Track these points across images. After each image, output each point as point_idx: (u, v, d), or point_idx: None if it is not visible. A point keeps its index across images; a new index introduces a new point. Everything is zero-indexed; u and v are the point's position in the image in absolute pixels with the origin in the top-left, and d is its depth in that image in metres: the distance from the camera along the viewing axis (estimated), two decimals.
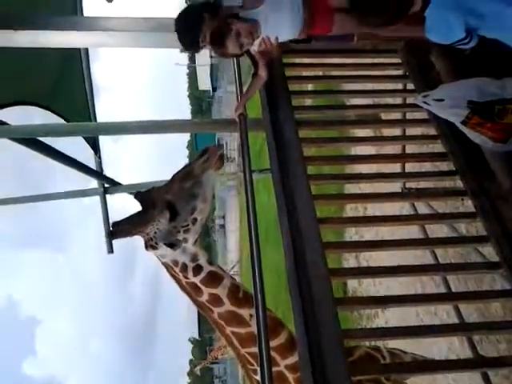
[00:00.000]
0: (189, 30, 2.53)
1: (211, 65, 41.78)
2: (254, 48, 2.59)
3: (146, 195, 2.37)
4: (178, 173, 2.45)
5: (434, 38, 2.36)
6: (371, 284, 7.21)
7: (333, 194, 2.61)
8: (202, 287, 2.35)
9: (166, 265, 2.39)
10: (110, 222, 4.70)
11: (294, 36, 2.64)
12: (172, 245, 2.30)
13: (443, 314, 4.66)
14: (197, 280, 2.35)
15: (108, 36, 3.13)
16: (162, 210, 2.28)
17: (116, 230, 2.32)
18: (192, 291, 2.38)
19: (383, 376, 2.29)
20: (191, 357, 67.16)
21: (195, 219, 2.35)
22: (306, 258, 1.95)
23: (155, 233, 2.30)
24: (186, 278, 2.36)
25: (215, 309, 2.36)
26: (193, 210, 2.34)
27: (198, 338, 57.33)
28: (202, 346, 56.00)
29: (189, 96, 78.05)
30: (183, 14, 2.58)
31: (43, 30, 3.01)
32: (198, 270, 2.35)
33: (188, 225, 2.33)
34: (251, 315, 2.31)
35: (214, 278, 2.35)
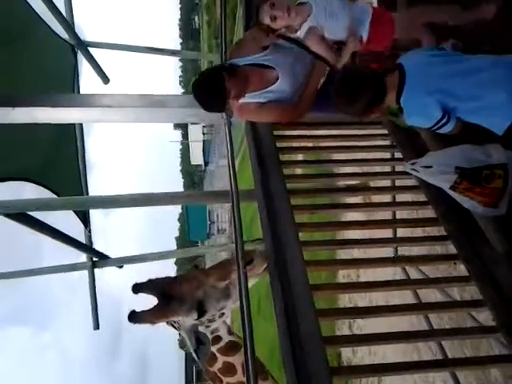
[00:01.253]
0: (213, 93, 2.55)
1: (203, 141, 42.90)
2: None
3: (173, 284, 2.20)
4: (214, 268, 2.34)
5: (414, 122, 2.48)
6: (366, 354, 7.01)
7: (325, 260, 2.59)
8: (218, 355, 2.28)
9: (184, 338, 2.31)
10: (97, 296, 4.71)
11: None
12: (199, 341, 2.21)
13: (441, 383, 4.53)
14: (214, 349, 2.28)
15: (103, 112, 3.23)
16: (191, 310, 2.15)
17: (135, 317, 2.09)
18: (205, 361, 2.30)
19: None
20: None
21: (223, 314, 2.27)
22: (300, 326, 1.91)
23: (179, 320, 2.21)
24: None
25: (225, 378, 2.29)
26: (222, 308, 2.24)
27: None
28: None
29: (181, 170, 79.48)
30: (202, 80, 2.62)
31: (41, 107, 3.12)
32: (217, 340, 2.28)
33: (214, 318, 2.24)
34: None
35: (232, 348, 2.29)
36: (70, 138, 4.33)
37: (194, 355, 2.22)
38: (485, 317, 2.86)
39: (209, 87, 2.55)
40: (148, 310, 2.10)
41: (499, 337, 2.05)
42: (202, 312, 2.16)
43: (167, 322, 2.26)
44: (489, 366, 2.75)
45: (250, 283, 2.26)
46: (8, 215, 3.13)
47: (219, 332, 2.29)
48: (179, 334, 2.29)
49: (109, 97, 3.27)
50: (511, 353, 2.03)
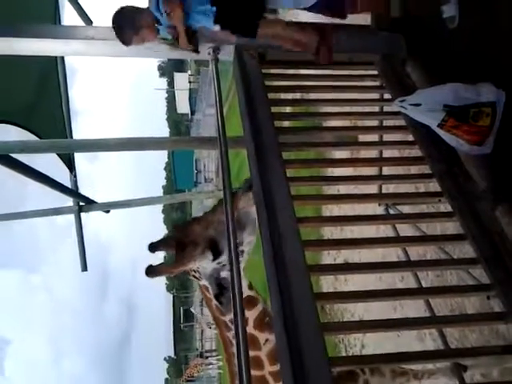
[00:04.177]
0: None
1: (190, 89, 42.08)
2: None
3: (185, 230, 2.16)
4: (218, 204, 2.23)
5: None
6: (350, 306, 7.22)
7: (311, 194, 2.60)
8: None
9: (201, 285, 2.30)
10: (84, 242, 4.74)
11: None
12: (221, 286, 2.20)
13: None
14: None
15: (87, 45, 3.13)
16: (204, 250, 2.10)
17: (153, 271, 2.08)
18: (217, 310, 2.30)
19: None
20: (166, 375, 66.15)
21: (242, 251, 2.18)
22: (285, 253, 1.95)
23: (198, 267, 2.19)
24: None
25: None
26: (239, 244, 2.12)
27: (173, 356, 56.46)
28: (177, 365, 55.22)
29: (167, 119, 78.34)
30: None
31: (21, 38, 3.01)
32: None
33: None
34: (267, 340, 2.27)
35: (250, 302, 2.28)
36: (53, 82, 4.23)
37: (215, 301, 2.23)
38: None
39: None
40: (164, 262, 2.14)
41: (480, 269, 2.11)
42: (217, 252, 2.12)
43: (189, 274, 2.26)
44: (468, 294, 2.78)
45: None
46: None
47: None
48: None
49: (93, 29, 3.17)
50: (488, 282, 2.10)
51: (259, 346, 2.26)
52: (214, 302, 2.28)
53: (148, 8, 2.74)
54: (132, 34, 2.70)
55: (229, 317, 2.28)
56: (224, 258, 2.15)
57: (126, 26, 2.70)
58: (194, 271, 2.23)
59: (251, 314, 2.25)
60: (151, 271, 2.06)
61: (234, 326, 1.77)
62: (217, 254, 2.12)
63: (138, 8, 2.76)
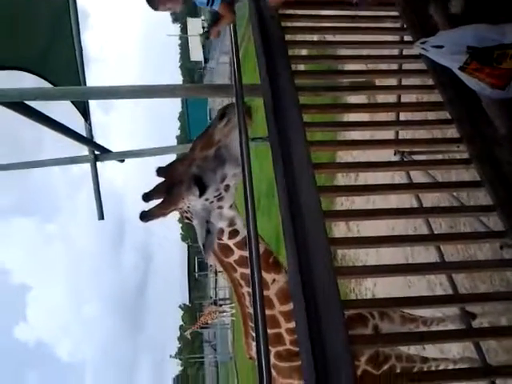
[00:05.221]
0: None
1: (204, 31, 41.09)
2: None
3: (170, 170, 2.20)
4: (197, 140, 2.26)
5: None
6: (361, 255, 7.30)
7: (327, 140, 2.57)
8: (235, 249, 2.30)
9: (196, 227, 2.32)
10: (101, 189, 4.78)
11: None
12: (208, 231, 2.21)
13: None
14: (231, 242, 2.30)
15: None
16: (190, 187, 2.14)
17: (146, 215, 2.14)
18: (221, 252, 2.33)
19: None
20: (181, 323, 68.67)
21: (227, 186, 2.21)
22: (300, 199, 1.94)
23: (188, 207, 2.21)
24: (220, 239, 2.30)
25: (240, 269, 2.32)
26: (223, 178, 2.19)
27: (188, 304, 58.34)
28: (192, 312, 57.19)
29: (180, 67, 77.20)
30: None
31: None
32: (234, 233, 2.29)
33: (221, 193, 2.21)
34: (274, 280, 2.30)
35: None
36: (66, 30, 4.14)
37: (201, 247, 2.25)
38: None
39: None
40: (156, 205, 2.15)
41: (494, 216, 2.08)
42: (202, 187, 2.15)
43: (181, 216, 2.28)
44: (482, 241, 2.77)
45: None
46: (6, 104, 3.05)
47: (236, 225, 2.29)
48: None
49: None
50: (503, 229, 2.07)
51: (267, 286, 2.28)
52: (220, 242, 2.31)
53: None
54: (160, 3, 2.67)
55: (232, 258, 2.32)
56: (210, 193, 2.18)
57: None
58: (186, 212, 2.25)
59: None
60: (145, 215, 2.12)
61: (250, 276, 1.77)
62: (203, 190, 2.15)
63: None
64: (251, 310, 2.33)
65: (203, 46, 41.46)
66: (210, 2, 2.53)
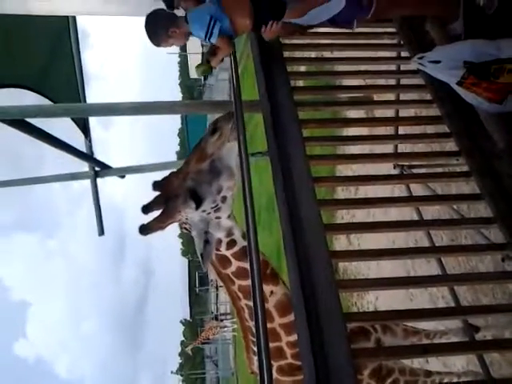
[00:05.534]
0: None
1: (202, 53, 41.46)
2: None
3: (165, 184, 2.22)
4: (190, 154, 2.29)
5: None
6: (363, 269, 7.29)
7: (327, 154, 2.59)
8: (233, 260, 2.30)
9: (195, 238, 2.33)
10: (101, 205, 4.79)
11: None
12: (206, 241, 2.23)
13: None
14: (228, 253, 2.30)
15: (103, 3, 3.09)
16: (186, 200, 2.16)
17: (145, 228, 2.15)
18: (218, 263, 2.33)
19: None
20: (182, 338, 68.19)
21: (224, 197, 2.23)
22: (300, 213, 1.95)
23: (186, 219, 2.23)
24: (218, 250, 2.30)
25: (238, 281, 2.32)
26: (219, 190, 2.21)
27: (189, 319, 57.99)
28: (193, 328, 56.83)
29: (180, 84, 77.72)
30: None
31: None
32: (231, 244, 2.29)
33: (217, 205, 2.23)
34: (272, 292, 2.29)
35: (246, 253, 2.28)
36: (66, 48, 4.20)
37: (200, 258, 2.26)
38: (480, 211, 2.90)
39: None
40: (153, 219, 2.16)
41: (495, 228, 2.09)
42: (198, 200, 2.17)
43: (180, 227, 2.30)
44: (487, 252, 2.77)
45: (232, 151, 2.23)
46: (8, 122, 3.08)
47: (234, 235, 2.30)
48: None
49: None
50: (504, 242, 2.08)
51: (266, 298, 2.26)
52: (217, 253, 2.31)
53: (182, 17, 2.71)
54: (162, 40, 2.73)
55: (230, 270, 2.31)
56: (207, 205, 2.20)
57: (158, 32, 2.71)
58: (184, 223, 2.27)
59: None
60: (144, 229, 2.14)
61: (251, 289, 1.78)
62: (199, 202, 2.18)
63: (172, 15, 2.74)
64: (251, 324, 2.34)
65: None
66: (207, 36, 2.58)
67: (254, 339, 2.31)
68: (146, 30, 2.70)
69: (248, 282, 2.24)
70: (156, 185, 2.22)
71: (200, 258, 2.26)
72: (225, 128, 2.24)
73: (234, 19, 2.59)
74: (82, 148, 4.49)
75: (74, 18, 4.04)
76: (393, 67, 3.24)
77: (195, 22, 2.61)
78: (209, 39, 2.60)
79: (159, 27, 2.67)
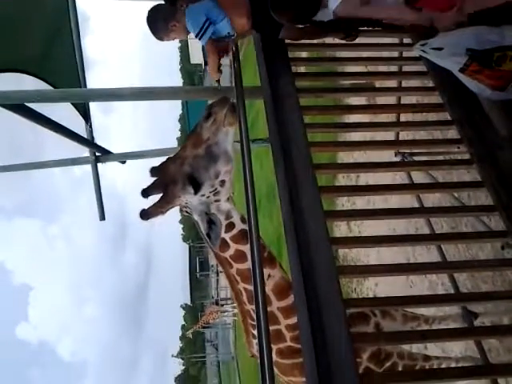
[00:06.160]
0: None
1: None
2: None
3: (163, 170, 2.24)
4: (186, 139, 2.31)
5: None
6: (362, 257, 7.32)
7: (328, 141, 2.59)
8: (231, 243, 2.31)
9: (194, 222, 2.34)
10: (102, 190, 4.80)
11: None
12: (211, 221, 2.23)
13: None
14: (227, 236, 2.31)
15: None
16: (184, 186, 2.18)
17: (144, 213, 2.19)
18: (218, 246, 2.33)
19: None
20: (183, 322, 68.88)
21: (223, 181, 2.24)
22: (302, 199, 1.96)
23: (186, 203, 2.25)
24: None
25: (236, 264, 2.33)
26: (217, 174, 2.22)
27: (190, 304, 58.50)
28: (193, 312, 57.38)
29: (181, 70, 77.23)
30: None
31: None
32: (230, 227, 2.30)
33: (216, 189, 2.24)
34: (269, 275, 2.29)
35: (245, 236, 2.27)
36: (66, 33, 4.17)
37: (206, 239, 2.27)
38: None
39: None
40: (153, 204, 2.19)
41: (496, 216, 2.10)
42: (197, 185, 2.19)
43: (181, 211, 2.32)
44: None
45: (228, 135, 2.25)
46: (8, 107, 3.07)
47: (233, 218, 2.31)
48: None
49: None
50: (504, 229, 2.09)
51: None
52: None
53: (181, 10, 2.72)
54: (163, 34, 2.80)
55: (228, 253, 2.32)
56: (205, 190, 2.22)
57: (159, 26, 2.77)
58: (184, 207, 2.28)
59: (247, 249, 2.20)
60: (145, 214, 2.18)
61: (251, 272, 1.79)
62: (197, 187, 2.20)
63: (172, 10, 2.77)
64: (249, 307, 2.36)
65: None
66: (199, 35, 2.62)
67: (253, 322, 2.34)
68: (148, 25, 2.75)
69: (246, 266, 2.28)
70: (153, 170, 2.24)
71: (205, 239, 2.27)
72: (219, 113, 2.25)
73: (231, 17, 2.62)
74: (83, 133, 4.49)
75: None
76: (395, 54, 3.22)
77: (191, 19, 2.65)
78: (199, 39, 2.66)
79: (160, 21, 2.73)
